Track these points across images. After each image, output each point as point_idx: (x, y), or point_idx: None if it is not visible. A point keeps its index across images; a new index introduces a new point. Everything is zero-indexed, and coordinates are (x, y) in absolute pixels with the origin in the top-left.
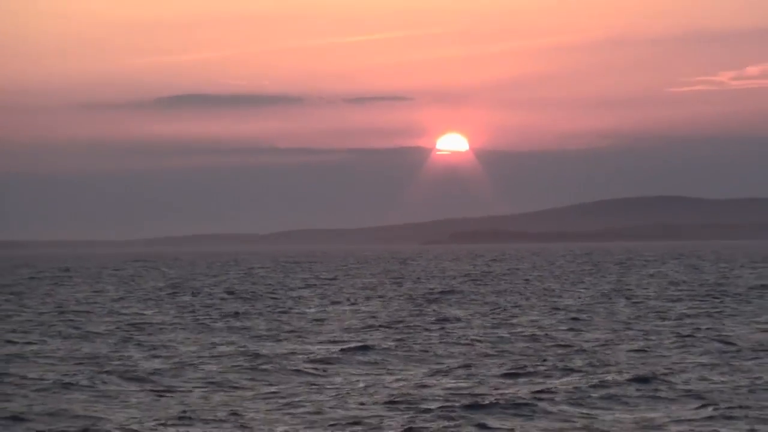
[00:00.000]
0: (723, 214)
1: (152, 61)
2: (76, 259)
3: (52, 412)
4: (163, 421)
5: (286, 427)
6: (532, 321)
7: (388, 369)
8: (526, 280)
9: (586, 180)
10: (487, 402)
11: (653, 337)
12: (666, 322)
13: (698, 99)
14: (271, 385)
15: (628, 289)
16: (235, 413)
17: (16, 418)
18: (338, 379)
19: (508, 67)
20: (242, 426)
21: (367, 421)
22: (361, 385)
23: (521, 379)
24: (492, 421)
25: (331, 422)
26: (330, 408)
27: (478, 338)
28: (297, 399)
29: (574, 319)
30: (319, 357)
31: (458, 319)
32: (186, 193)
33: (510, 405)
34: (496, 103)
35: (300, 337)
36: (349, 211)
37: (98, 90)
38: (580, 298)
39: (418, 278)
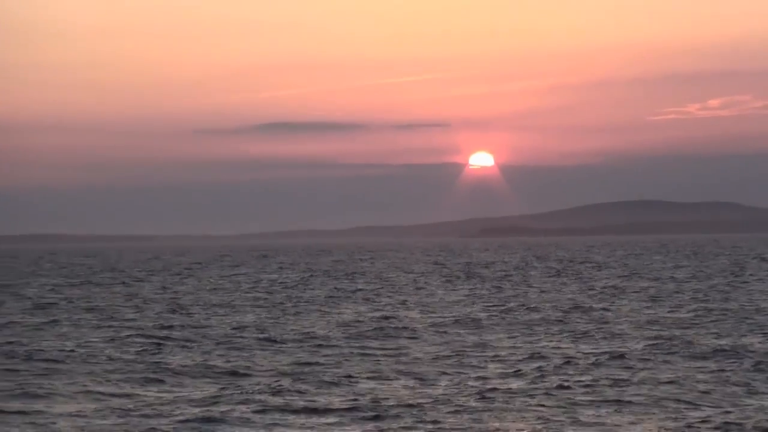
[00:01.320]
0: (690, 213)
1: (252, 96)
2: (224, 247)
3: None
4: None
5: None
6: None
7: None
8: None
9: (583, 188)
10: None
11: None
12: None
13: (671, 125)
14: None
15: None
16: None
17: None
18: None
19: (523, 101)
20: None
21: None
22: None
23: None
24: None
25: None
26: None
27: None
28: None
29: None
30: None
31: None
32: (277, 198)
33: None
34: (514, 128)
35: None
36: (400, 212)
37: (213, 119)
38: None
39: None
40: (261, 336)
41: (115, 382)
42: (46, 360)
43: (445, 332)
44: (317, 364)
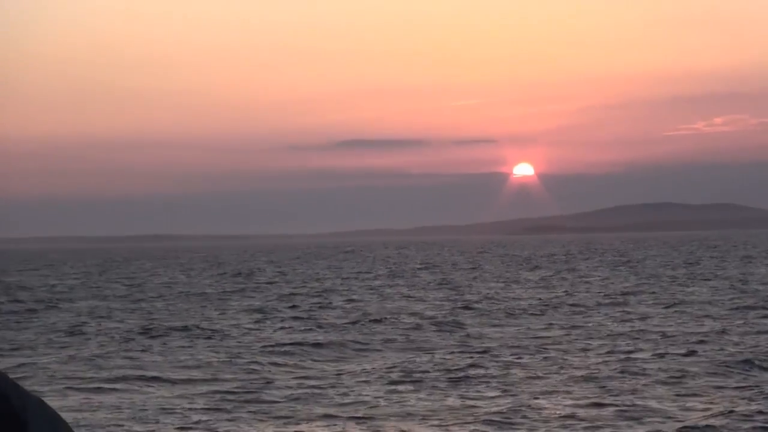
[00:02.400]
0: (698, 213)
1: (336, 117)
2: (312, 246)
3: None
4: None
5: None
6: None
7: None
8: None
9: (607, 192)
10: None
11: None
12: None
13: (682, 139)
14: None
15: None
16: None
17: None
18: None
19: (556, 120)
20: None
21: None
22: None
23: None
24: None
25: None
26: None
27: None
28: None
29: None
30: None
31: None
32: (354, 203)
33: None
34: (549, 143)
35: None
36: (456, 213)
37: (302, 137)
38: None
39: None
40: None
41: None
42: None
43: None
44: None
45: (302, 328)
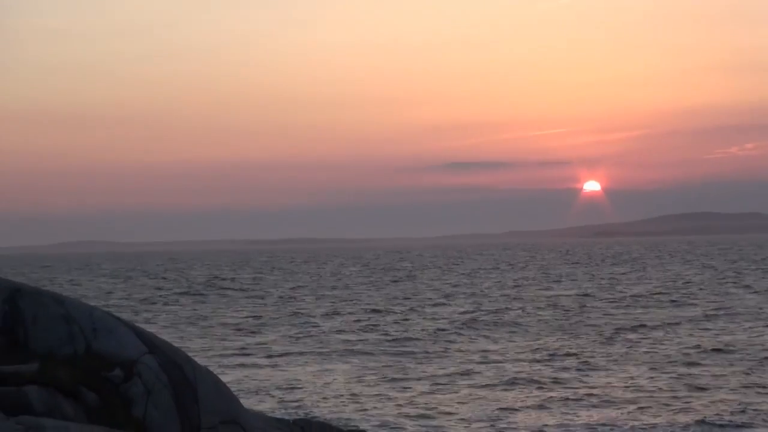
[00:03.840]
0: (732, 221)
1: (440, 144)
2: (426, 246)
3: None
4: None
5: None
6: None
7: None
8: None
9: (659, 204)
10: None
11: None
12: None
13: (719, 161)
14: None
15: None
16: None
17: None
18: None
19: (618, 146)
20: None
21: None
22: None
23: None
24: None
25: None
26: None
27: None
28: None
29: None
30: None
31: None
32: (457, 212)
33: None
34: (612, 165)
35: None
36: (538, 221)
37: (412, 161)
38: None
39: None
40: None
41: None
42: None
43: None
44: None
45: None
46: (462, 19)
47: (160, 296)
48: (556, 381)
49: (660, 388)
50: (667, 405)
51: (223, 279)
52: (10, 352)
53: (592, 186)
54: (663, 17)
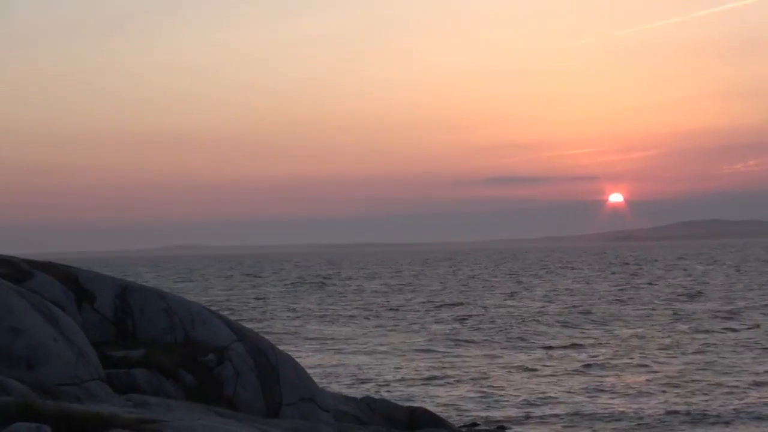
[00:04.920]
0: (741, 227)
1: (489, 163)
2: (475, 250)
3: None
4: None
5: None
6: None
7: None
8: None
9: (677, 212)
10: None
11: None
12: None
13: (726, 176)
14: None
15: None
16: None
17: None
18: None
19: (640, 163)
20: None
21: None
22: None
23: None
24: None
25: None
26: None
27: None
28: None
29: None
30: None
31: None
32: (499, 221)
33: None
34: (635, 179)
35: None
36: (569, 227)
37: (466, 175)
38: None
39: None
40: None
41: None
42: None
43: None
44: None
45: None
46: (504, 55)
47: (265, 290)
48: None
49: None
50: None
51: (326, 277)
52: (120, 340)
53: (615, 197)
54: (674, 53)
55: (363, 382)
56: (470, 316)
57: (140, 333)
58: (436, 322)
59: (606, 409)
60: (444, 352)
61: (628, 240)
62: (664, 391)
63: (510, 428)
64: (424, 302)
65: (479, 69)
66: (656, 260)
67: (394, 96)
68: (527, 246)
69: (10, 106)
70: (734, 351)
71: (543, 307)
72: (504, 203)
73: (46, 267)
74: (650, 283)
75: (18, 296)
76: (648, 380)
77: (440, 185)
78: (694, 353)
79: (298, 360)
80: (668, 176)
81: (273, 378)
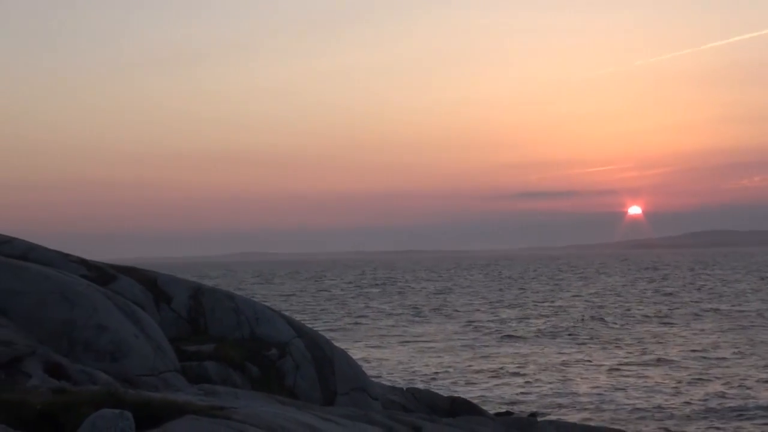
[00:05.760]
0: (748, 237)
1: (521, 179)
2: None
3: None
4: None
5: None
6: None
7: None
8: None
9: (688, 223)
10: None
11: None
12: None
13: (733, 190)
14: None
15: None
16: None
17: None
18: None
19: (656, 179)
20: None
21: None
22: None
23: None
24: None
25: None
26: None
27: None
28: None
29: None
30: None
31: None
32: (528, 231)
33: None
34: (651, 194)
35: None
36: (594, 236)
37: (502, 190)
38: None
39: None
40: None
41: None
42: None
43: None
44: None
45: None
46: (534, 83)
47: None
48: None
49: None
50: None
51: (383, 281)
52: (194, 336)
53: (634, 210)
54: (687, 81)
55: (409, 373)
56: (517, 315)
57: (211, 330)
58: (479, 320)
59: (636, 402)
60: (485, 347)
61: (645, 248)
62: (706, 384)
63: (542, 415)
64: (467, 303)
65: (514, 95)
66: (677, 266)
67: (440, 119)
68: (556, 254)
69: (124, 131)
70: None
71: (585, 309)
72: (534, 215)
73: (129, 271)
74: (683, 286)
75: (103, 297)
76: (691, 377)
77: (479, 198)
78: (733, 353)
79: (351, 354)
80: (681, 191)
81: (329, 370)
